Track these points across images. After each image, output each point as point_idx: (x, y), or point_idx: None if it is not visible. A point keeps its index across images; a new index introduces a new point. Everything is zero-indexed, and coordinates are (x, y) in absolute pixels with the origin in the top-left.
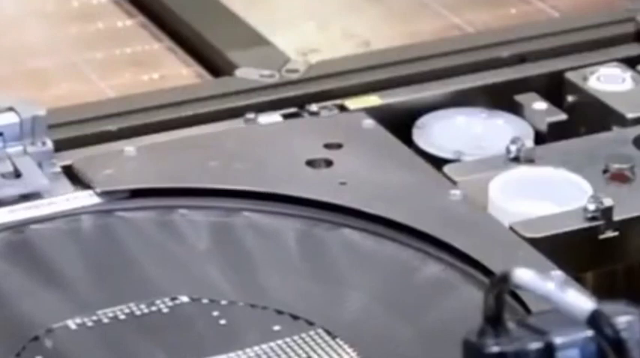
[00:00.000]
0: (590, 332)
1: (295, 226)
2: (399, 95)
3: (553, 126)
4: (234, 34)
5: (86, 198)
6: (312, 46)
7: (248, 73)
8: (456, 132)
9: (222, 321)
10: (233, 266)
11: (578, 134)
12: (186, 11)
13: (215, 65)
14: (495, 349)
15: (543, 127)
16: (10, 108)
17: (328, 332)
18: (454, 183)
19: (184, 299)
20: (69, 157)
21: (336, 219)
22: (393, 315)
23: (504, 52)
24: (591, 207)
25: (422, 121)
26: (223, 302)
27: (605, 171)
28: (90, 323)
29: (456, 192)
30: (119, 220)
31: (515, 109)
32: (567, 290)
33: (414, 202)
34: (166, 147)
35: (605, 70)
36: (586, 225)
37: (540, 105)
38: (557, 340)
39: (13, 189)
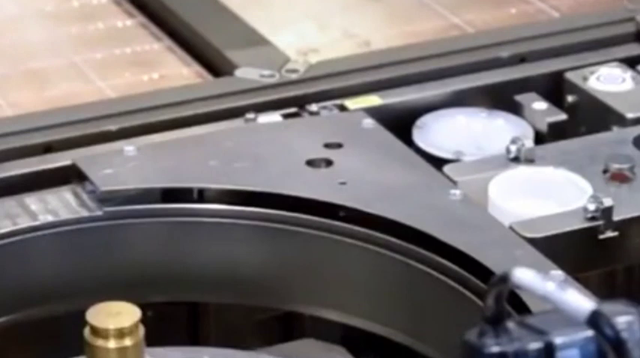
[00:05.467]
0: (590, 332)
1: None
2: (399, 95)
3: (553, 126)
4: (234, 34)
5: None
6: (312, 46)
7: (248, 73)
8: (456, 132)
9: None
10: None
11: (578, 134)
12: (186, 11)
13: (215, 65)
14: (495, 349)
15: (543, 127)
16: None
17: None
18: (454, 183)
19: None
20: (69, 157)
21: None
22: None
23: (504, 52)
24: (591, 207)
25: (422, 121)
26: None
27: (605, 171)
28: None
29: (455, 192)
30: None
31: (515, 109)
32: (567, 290)
33: (414, 202)
34: (166, 147)
35: (605, 70)
36: (586, 225)
37: (540, 105)
38: (557, 340)
39: None
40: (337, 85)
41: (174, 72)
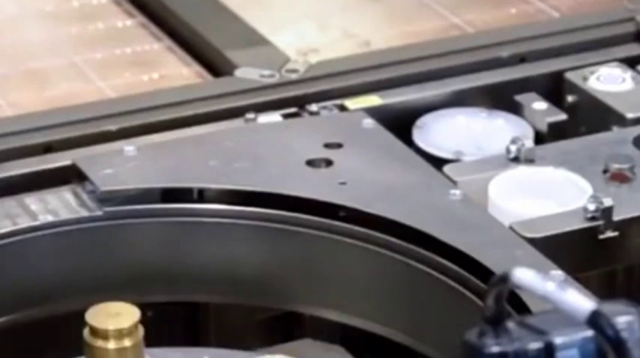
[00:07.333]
0: (590, 332)
1: None
2: (399, 95)
3: (553, 126)
4: (234, 34)
5: None
6: (312, 46)
7: (248, 73)
8: (456, 132)
9: None
10: None
11: (578, 134)
12: (186, 11)
13: (215, 65)
14: (495, 349)
15: (543, 127)
16: None
17: None
18: (454, 183)
19: None
20: (69, 157)
21: None
22: None
23: (504, 52)
24: (591, 207)
25: (422, 121)
26: None
27: (605, 171)
28: None
29: (455, 192)
30: None
31: (515, 109)
32: (567, 290)
33: (414, 202)
34: (166, 147)
35: (605, 70)
36: (586, 225)
37: (540, 105)
38: (557, 340)
39: None
40: (337, 85)
41: (174, 72)
